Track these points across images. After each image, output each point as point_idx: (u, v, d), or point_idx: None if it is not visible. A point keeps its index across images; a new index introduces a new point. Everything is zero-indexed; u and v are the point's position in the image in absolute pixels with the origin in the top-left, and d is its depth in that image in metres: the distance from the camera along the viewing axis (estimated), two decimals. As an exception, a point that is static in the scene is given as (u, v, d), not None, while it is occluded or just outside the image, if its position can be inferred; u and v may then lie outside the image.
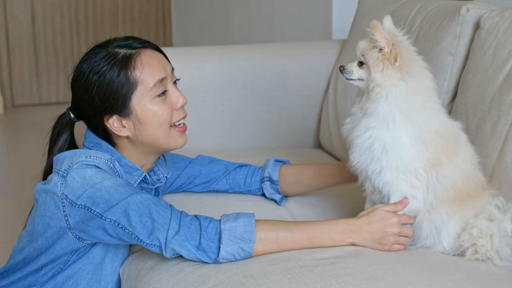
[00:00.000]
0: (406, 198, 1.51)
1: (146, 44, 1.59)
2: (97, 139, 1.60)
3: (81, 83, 1.56)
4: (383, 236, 1.49)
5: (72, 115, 1.63)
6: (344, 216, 1.82)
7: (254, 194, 1.91)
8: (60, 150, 1.62)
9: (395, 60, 1.46)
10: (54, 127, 1.65)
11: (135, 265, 1.60)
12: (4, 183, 3.68)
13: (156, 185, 1.70)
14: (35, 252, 1.57)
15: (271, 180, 1.85)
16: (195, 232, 1.45)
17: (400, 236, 1.51)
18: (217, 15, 4.57)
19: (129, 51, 1.55)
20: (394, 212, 1.51)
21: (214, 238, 1.45)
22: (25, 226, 1.66)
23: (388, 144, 1.48)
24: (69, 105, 1.66)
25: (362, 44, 1.51)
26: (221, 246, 1.44)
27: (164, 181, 1.74)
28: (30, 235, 1.58)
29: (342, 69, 1.54)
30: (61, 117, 1.66)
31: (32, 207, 1.65)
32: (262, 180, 1.86)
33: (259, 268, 1.39)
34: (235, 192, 1.90)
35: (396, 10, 2.20)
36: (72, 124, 1.65)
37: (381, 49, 1.46)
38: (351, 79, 1.54)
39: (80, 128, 1.67)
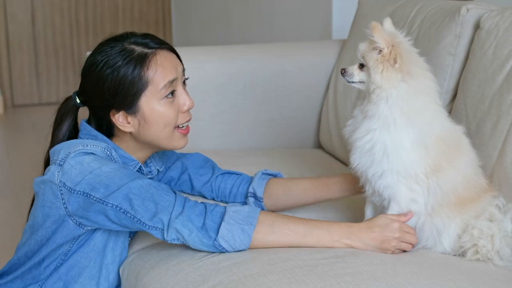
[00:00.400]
0: (411, 211, 1.51)
1: (162, 46, 1.59)
2: (93, 131, 1.61)
3: (93, 74, 1.56)
4: (385, 240, 1.49)
5: (78, 100, 1.63)
6: (345, 216, 1.82)
7: None
8: (64, 135, 1.63)
9: (395, 61, 1.45)
10: (59, 110, 1.65)
11: (135, 265, 1.60)
12: (4, 183, 3.68)
13: (148, 176, 1.71)
14: (36, 245, 1.57)
15: (255, 196, 1.79)
16: (200, 214, 1.47)
17: (402, 242, 1.50)
18: (217, 15, 4.57)
19: (146, 50, 1.55)
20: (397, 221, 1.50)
21: (217, 220, 1.46)
22: (27, 221, 1.67)
23: (389, 147, 1.48)
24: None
25: (362, 46, 1.50)
26: (222, 223, 1.46)
27: (156, 173, 1.74)
28: (31, 228, 1.59)
29: (343, 72, 1.54)
30: (67, 100, 1.66)
31: (32, 202, 1.66)
32: (246, 195, 1.81)
33: (259, 268, 1.39)
34: (221, 201, 1.85)
35: (396, 10, 2.20)
36: (76, 109, 1.65)
37: (380, 51, 1.46)
38: (352, 82, 1.53)
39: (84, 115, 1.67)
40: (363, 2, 2.47)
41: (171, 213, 1.45)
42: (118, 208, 1.47)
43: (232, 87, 2.49)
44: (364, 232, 1.49)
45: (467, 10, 1.88)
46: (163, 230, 1.46)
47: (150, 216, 1.46)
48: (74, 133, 1.65)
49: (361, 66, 1.51)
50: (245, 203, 1.82)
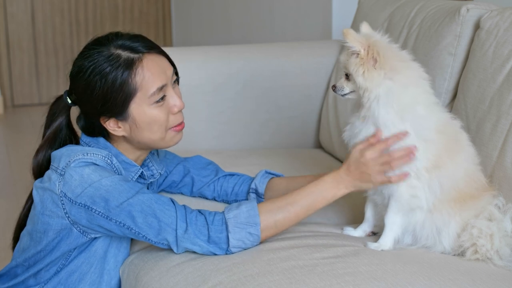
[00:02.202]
0: (378, 129, 1.49)
1: (151, 50, 1.55)
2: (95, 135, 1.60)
3: (81, 80, 1.54)
4: (362, 174, 1.51)
5: (69, 100, 1.61)
6: (345, 216, 1.82)
7: None
8: (55, 133, 1.62)
9: (375, 60, 1.45)
10: (51, 109, 1.64)
11: (135, 265, 1.60)
12: (4, 183, 3.68)
13: (150, 180, 1.71)
14: (41, 253, 1.57)
15: (256, 193, 1.80)
16: (203, 227, 1.47)
17: (379, 166, 1.49)
18: (217, 15, 4.57)
19: (132, 55, 1.52)
20: (368, 146, 1.49)
21: (221, 229, 1.47)
22: (22, 224, 1.66)
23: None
24: None
25: (343, 57, 1.51)
26: (229, 235, 1.47)
27: (158, 177, 1.74)
28: (30, 234, 1.58)
29: (334, 88, 1.55)
30: (58, 99, 1.64)
31: (26, 205, 1.66)
32: (248, 192, 1.82)
33: (259, 268, 1.39)
34: (222, 201, 1.86)
35: (396, 10, 2.20)
36: (68, 107, 1.63)
37: (358, 54, 1.46)
38: (345, 94, 1.54)
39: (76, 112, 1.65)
40: (363, 2, 2.47)
41: (176, 230, 1.47)
42: (121, 225, 1.48)
43: (232, 87, 2.49)
44: (346, 177, 1.53)
45: (467, 10, 1.88)
46: (170, 245, 1.49)
47: (155, 233, 1.48)
48: (68, 132, 1.63)
49: (347, 76, 1.51)
50: (246, 200, 1.82)
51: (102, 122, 1.56)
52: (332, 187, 1.53)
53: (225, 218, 1.48)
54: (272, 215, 1.51)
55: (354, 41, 1.45)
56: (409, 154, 1.47)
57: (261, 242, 1.52)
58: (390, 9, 2.23)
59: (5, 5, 5.27)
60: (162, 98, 1.55)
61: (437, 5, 2.05)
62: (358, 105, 1.55)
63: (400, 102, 1.47)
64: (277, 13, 3.63)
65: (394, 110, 1.46)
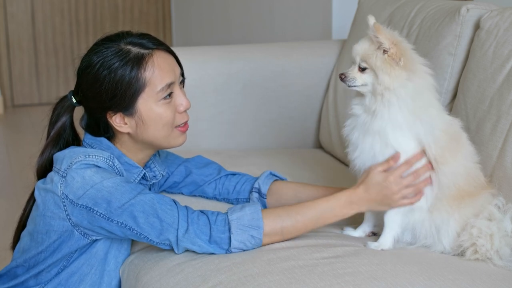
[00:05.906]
0: (397, 152, 1.50)
1: (159, 46, 1.57)
2: (97, 137, 1.60)
3: (90, 75, 1.54)
4: (384, 198, 1.50)
5: (74, 100, 1.61)
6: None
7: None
8: (59, 133, 1.62)
9: (400, 59, 1.45)
10: (55, 109, 1.64)
11: (135, 265, 1.60)
12: (4, 183, 3.68)
13: (153, 181, 1.71)
14: (42, 254, 1.57)
15: (259, 192, 1.79)
16: (205, 227, 1.47)
17: (403, 189, 1.50)
18: (217, 15, 4.57)
19: (142, 51, 1.54)
20: (389, 169, 1.50)
21: (224, 230, 1.47)
22: (24, 225, 1.66)
23: (396, 148, 1.50)
24: None
25: (362, 48, 1.49)
26: (232, 236, 1.47)
27: (160, 178, 1.74)
28: (31, 234, 1.58)
29: (343, 77, 1.51)
30: (63, 100, 1.64)
31: (27, 205, 1.66)
32: (251, 191, 1.81)
33: (259, 268, 1.39)
34: (223, 200, 1.85)
35: (396, 10, 2.20)
36: (72, 108, 1.63)
37: (385, 51, 1.46)
38: (355, 86, 1.51)
39: (78, 112, 1.66)
40: (363, 2, 2.47)
41: (177, 230, 1.47)
42: (123, 225, 1.48)
43: (232, 87, 2.49)
44: (363, 197, 1.52)
45: (467, 10, 1.88)
46: (172, 246, 1.49)
47: (157, 234, 1.47)
48: (71, 132, 1.64)
49: (363, 69, 1.50)
50: (248, 199, 1.82)
51: (108, 117, 1.56)
52: (344, 206, 1.53)
53: (228, 219, 1.48)
54: (280, 221, 1.50)
55: (385, 37, 1.45)
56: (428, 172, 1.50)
57: (265, 244, 1.50)
58: (390, 9, 2.23)
59: (5, 5, 5.27)
60: (170, 95, 1.56)
61: (437, 5, 2.05)
62: (361, 94, 1.54)
63: (416, 104, 1.47)
64: (277, 13, 3.63)
65: (410, 111, 1.47)
